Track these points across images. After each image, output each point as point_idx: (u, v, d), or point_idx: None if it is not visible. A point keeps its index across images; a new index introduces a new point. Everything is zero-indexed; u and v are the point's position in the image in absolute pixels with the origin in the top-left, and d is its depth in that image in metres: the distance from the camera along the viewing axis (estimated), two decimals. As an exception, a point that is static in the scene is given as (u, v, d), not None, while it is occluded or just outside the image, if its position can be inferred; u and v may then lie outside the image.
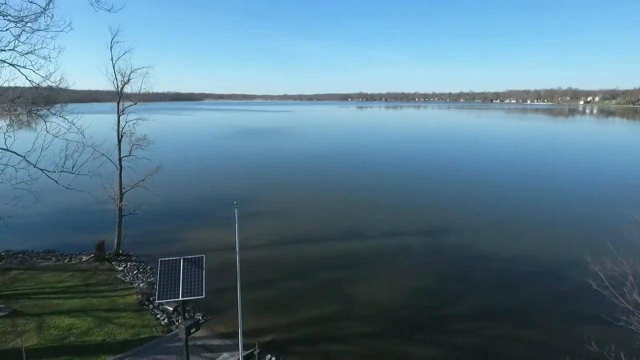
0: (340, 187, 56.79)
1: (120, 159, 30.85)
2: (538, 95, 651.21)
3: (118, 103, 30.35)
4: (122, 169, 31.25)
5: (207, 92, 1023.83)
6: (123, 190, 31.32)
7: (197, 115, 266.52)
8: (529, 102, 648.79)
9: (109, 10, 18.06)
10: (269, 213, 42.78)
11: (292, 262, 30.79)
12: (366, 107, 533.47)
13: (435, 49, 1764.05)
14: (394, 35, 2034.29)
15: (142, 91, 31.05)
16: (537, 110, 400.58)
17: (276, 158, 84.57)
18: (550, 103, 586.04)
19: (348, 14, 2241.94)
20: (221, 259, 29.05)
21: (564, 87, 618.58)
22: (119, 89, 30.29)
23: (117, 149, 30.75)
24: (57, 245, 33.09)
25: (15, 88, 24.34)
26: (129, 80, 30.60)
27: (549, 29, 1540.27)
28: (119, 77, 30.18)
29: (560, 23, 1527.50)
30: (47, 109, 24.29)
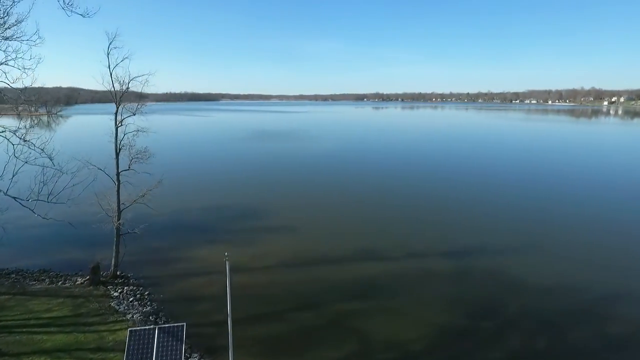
0: (357, 197, 53.56)
1: (118, 174, 28.55)
2: (560, 95, 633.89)
3: (116, 114, 27.99)
4: (120, 184, 28.96)
5: (223, 92, 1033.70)
6: (121, 207, 29.01)
7: (212, 117, 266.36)
8: (550, 102, 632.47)
9: (82, 15, 15.63)
10: (277, 228, 40.10)
11: (301, 289, 27.91)
12: (382, 107, 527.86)
13: (452, 48, 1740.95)
14: (411, 35, 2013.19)
15: (139, 105, 28.40)
16: (558, 111, 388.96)
17: (288, 164, 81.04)
18: (572, 104, 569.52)
19: (364, 14, 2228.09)
20: (225, 284, 26.49)
21: (587, 87, 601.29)
22: (117, 99, 27.93)
23: (115, 163, 28.43)
24: (53, 263, 31.09)
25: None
26: (127, 89, 28.25)
27: (571, 27, 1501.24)
28: (116, 85, 27.82)
29: (583, 21, 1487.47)
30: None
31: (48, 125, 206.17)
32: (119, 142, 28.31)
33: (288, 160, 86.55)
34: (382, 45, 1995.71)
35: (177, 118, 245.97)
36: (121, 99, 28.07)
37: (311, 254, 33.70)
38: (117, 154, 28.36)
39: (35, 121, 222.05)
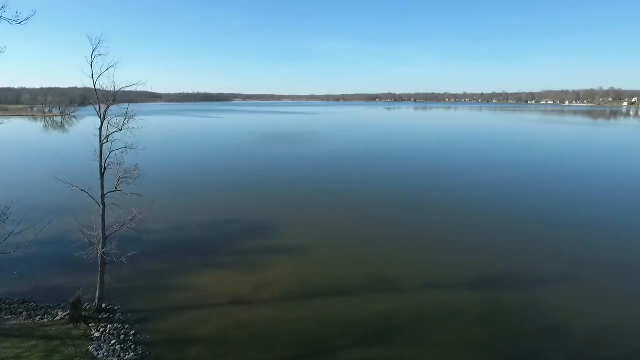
0: (370, 211, 49.63)
1: (103, 196, 25.49)
2: (577, 96, 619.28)
3: (100, 130, 24.90)
4: (107, 207, 25.93)
5: (236, 92, 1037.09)
6: (107, 233, 25.97)
7: (221, 118, 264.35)
8: (567, 103, 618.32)
9: (11, 21, 12.51)
10: (282, 249, 36.67)
11: (306, 331, 24.41)
12: (395, 108, 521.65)
13: (466, 48, 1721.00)
14: (424, 35, 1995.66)
15: (127, 121, 25.27)
16: (576, 112, 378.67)
17: (294, 174, 75.46)
18: (590, 104, 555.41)
19: (377, 14, 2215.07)
20: (222, 321, 23.44)
21: (606, 87, 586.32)
22: (101, 113, 24.86)
23: (100, 184, 25.37)
24: (36, 292, 28.21)
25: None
26: (113, 101, 25.18)
27: (588, 25, 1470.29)
28: (101, 95, 24.72)
29: (600, 19, 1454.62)
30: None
31: (61, 126, 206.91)
32: (104, 160, 25.23)
33: (294, 169, 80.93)
34: (395, 45, 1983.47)
35: (185, 120, 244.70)
36: (107, 111, 24.96)
37: (319, 284, 30.16)
38: (102, 174, 25.29)
39: (49, 122, 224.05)
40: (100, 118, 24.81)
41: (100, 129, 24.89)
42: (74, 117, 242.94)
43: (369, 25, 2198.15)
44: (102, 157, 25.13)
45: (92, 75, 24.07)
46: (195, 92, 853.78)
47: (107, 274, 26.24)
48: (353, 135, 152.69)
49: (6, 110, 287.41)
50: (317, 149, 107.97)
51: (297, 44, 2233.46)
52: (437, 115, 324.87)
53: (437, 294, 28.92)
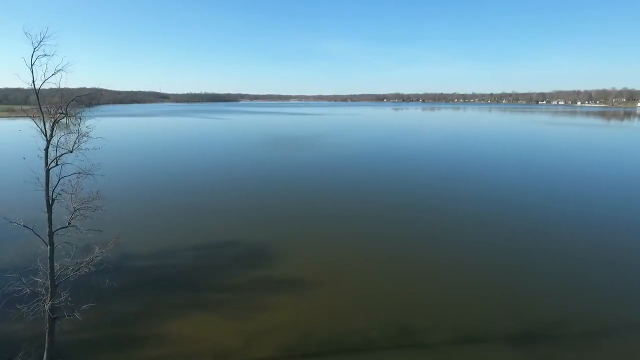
0: (389, 233, 43.70)
1: (50, 234, 20.17)
2: (589, 96, 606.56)
3: (46, 152, 19.55)
4: (55, 247, 20.61)
5: (243, 92, 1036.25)
6: (56, 281, 20.66)
7: (228, 119, 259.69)
8: (579, 103, 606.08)
9: None
10: (283, 286, 30.84)
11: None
12: (403, 108, 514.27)
13: (475, 48, 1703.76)
14: (431, 35, 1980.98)
15: (77, 141, 19.97)
16: (588, 113, 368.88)
17: (300, 187, 67.22)
18: (603, 105, 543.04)
19: (383, 13, 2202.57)
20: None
21: (619, 87, 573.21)
22: (47, 130, 19.53)
23: (47, 218, 20.05)
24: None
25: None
26: (64, 114, 19.90)
27: (601, 25, 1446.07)
28: (45, 110, 19.41)
29: (613, 20, 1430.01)
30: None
31: (67, 127, 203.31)
32: (52, 189, 19.90)
33: (296, 181, 71.45)
34: (402, 44, 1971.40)
35: (185, 120, 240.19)
36: (53, 128, 19.63)
37: (327, 337, 24.39)
38: (50, 206, 19.93)
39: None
40: (45, 136, 19.46)
41: (47, 150, 19.54)
42: (79, 118, 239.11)
43: (376, 25, 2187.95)
44: (50, 186, 19.80)
45: (33, 81, 18.71)
46: (203, 92, 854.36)
47: (55, 333, 20.92)
48: (362, 137, 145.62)
49: (12, 110, 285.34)
50: (323, 156, 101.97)
51: (305, 44, 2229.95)
52: (447, 116, 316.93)
53: (471, 349, 23.21)
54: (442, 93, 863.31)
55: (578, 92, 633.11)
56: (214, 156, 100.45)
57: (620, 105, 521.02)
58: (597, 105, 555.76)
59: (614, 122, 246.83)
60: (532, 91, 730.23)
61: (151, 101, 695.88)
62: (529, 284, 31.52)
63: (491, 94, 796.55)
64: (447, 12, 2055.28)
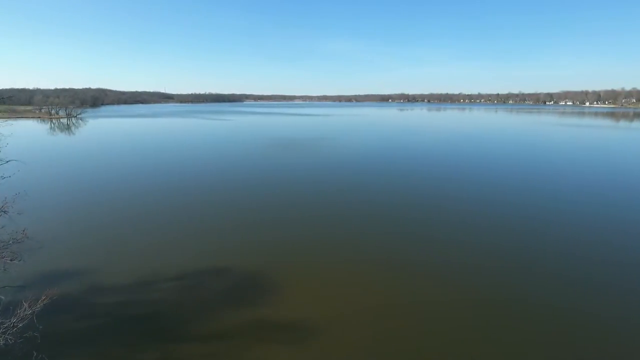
0: (405, 264, 39.80)
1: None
2: (598, 96, 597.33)
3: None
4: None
5: (247, 93, 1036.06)
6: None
7: (231, 120, 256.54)
8: (587, 104, 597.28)
9: None
10: (279, 332, 25.27)
11: None
12: (409, 109, 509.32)
13: (480, 48, 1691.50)
14: (436, 35, 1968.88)
15: None
16: (596, 114, 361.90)
17: (304, 199, 57.74)
18: (612, 105, 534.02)
19: (388, 13, 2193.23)
20: None
21: (628, 87, 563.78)
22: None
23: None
24: None
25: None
26: None
27: (610, 25, 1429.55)
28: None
29: (623, 20, 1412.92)
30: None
31: (67, 128, 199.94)
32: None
33: (299, 194, 62.25)
34: (407, 44, 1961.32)
35: (185, 121, 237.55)
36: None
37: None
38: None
39: (51, 124, 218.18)
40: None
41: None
42: (80, 119, 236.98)
43: (380, 24, 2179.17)
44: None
45: None
46: (207, 92, 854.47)
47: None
48: (371, 139, 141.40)
49: (14, 111, 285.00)
50: (329, 166, 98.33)
51: (309, 44, 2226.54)
52: (453, 117, 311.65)
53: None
54: (447, 93, 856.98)
55: (586, 93, 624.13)
56: (210, 165, 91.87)
57: (630, 105, 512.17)
58: (605, 105, 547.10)
59: (623, 123, 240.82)
60: (539, 91, 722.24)
61: (155, 101, 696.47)
62: (542, 286, 29.57)
63: (497, 94, 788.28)
64: (453, 12, 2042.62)
